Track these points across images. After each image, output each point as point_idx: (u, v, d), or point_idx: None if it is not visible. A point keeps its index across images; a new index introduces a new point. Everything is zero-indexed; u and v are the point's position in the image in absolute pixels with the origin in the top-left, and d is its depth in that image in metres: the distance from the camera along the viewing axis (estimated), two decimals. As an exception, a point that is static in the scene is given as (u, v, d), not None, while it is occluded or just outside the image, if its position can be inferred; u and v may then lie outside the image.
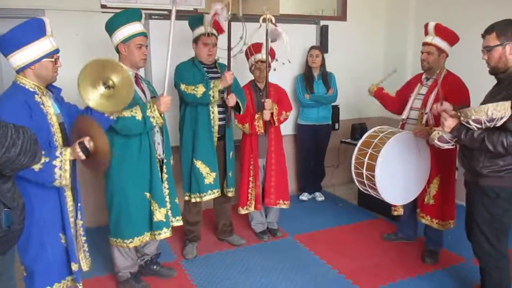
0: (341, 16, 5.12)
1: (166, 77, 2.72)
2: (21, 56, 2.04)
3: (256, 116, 3.50)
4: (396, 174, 3.04)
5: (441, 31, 3.10)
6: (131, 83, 2.36)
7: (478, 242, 2.48)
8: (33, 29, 2.06)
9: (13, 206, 1.50)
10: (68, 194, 2.23)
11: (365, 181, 3.03)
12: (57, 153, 2.02)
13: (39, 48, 2.07)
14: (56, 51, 2.15)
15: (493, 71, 2.36)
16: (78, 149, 2.05)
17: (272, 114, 3.47)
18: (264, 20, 3.23)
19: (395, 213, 3.55)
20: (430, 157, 3.14)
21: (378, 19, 5.28)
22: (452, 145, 2.46)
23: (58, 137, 2.15)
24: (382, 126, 3.21)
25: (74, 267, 2.25)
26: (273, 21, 3.25)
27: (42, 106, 2.10)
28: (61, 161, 2.01)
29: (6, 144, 1.35)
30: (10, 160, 1.38)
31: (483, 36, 2.35)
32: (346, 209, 4.58)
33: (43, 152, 1.90)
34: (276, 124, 3.56)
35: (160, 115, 2.70)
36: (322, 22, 4.88)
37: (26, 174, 1.89)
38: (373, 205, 4.25)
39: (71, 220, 2.26)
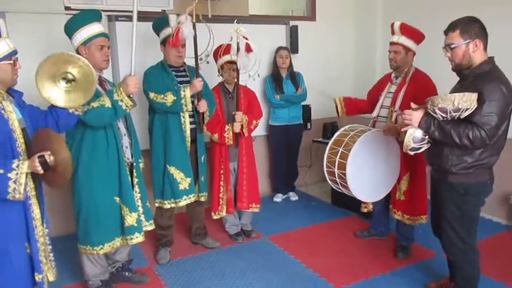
0: (311, 16, 5.16)
1: (133, 57, 2.61)
2: None
3: (226, 127, 3.46)
4: (367, 172, 3.07)
5: (406, 30, 3.15)
6: (90, 69, 2.28)
7: (449, 238, 2.51)
8: None
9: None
10: (34, 201, 2.15)
11: (337, 180, 3.05)
12: (14, 166, 1.95)
13: None
14: (14, 52, 2.08)
15: (457, 68, 2.37)
16: (37, 163, 1.98)
17: (242, 125, 3.47)
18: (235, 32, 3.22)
19: (365, 210, 3.60)
20: (400, 154, 3.19)
21: (347, 19, 5.34)
22: (427, 143, 2.42)
23: (20, 143, 2.08)
24: (352, 124, 3.24)
25: (38, 277, 2.17)
26: (243, 34, 3.25)
27: (2, 112, 2.02)
28: (16, 174, 1.94)
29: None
30: None
31: (445, 33, 2.35)
32: (319, 208, 4.61)
33: None
34: (246, 135, 3.56)
35: (129, 97, 2.61)
36: (292, 23, 4.89)
37: None
38: (346, 203, 4.29)
39: (40, 228, 2.18)
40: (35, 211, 2.16)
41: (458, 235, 2.46)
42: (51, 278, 2.31)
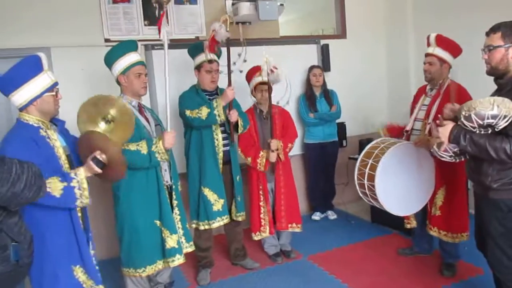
0: (341, 34, 5.18)
1: (168, 113, 2.75)
2: (22, 94, 2.08)
3: (261, 153, 3.49)
4: (397, 184, 3.00)
5: (442, 41, 3.12)
6: (127, 109, 2.39)
7: (495, 256, 2.36)
8: (30, 66, 2.10)
9: (21, 240, 1.52)
10: (80, 222, 2.24)
11: (367, 192, 3.01)
12: (72, 175, 2.04)
13: (39, 84, 2.10)
14: (55, 84, 2.18)
15: (492, 72, 2.27)
16: (92, 164, 2.07)
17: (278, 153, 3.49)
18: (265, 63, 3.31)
19: (408, 226, 3.50)
20: (434, 168, 3.11)
21: (378, 34, 5.32)
22: (450, 157, 2.36)
23: (66, 168, 2.17)
24: (384, 138, 3.20)
25: None
26: (272, 63, 3.32)
27: (48, 140, 2.13)
28: (77, 181, 2.03)
29: (11, 179, 1.38)
30: (15, 195, 1.40)
31: (487, 34, 2.26)
32: (359, 226, 4.53)
33: (59, 179, 1.93)
34: (283, 159, 3.57)
35: (166, 151, 2.71)
36: (323, 41, 4.93)
37: (49, 202, 1.90)
38: (386, 220, 4.19)
39: (87, 248, 2.26)
40: (82, 233, 2.24)
41: (505, 253, 2.30)
42: None
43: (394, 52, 5.27)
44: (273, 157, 3.47)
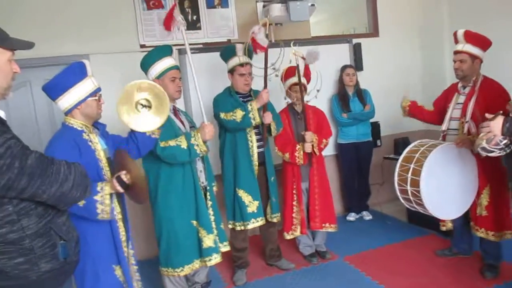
0: (373, 32, 5.12)
1: (202, 107, 2.82)
2: (68, 99, 2.18)
3: (297, 147, 3.51)
4: (442, 188, 2.93)
5: (471, 37, 3.03)
6: (161, 92, 2.46)
7: None
8: (75, 72, 2.19)
9: (68, 238, 1.59)
10: (120, 224, 2.30)
11: (411, 198, 2.95)
12: (98, 189, 2.09)
13: (83, 89, 2.19)
14: (98, 89, 2.27)
15: None
16: (116, 183, 2.12)
17: (312, 145, 3.49)
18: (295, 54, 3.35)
19: (444, 228, 3.42)
20: (477, 167, 3.03)
21: (412, 32, 5.23)
22: (501, 150, 2.31)
23: (106, 171, 2.25)
24: (422, 139, 3.14)
25: None
26: (303, 55, 3.38)
27: (90, 143, 2.21)
28: (101, 196, 2.08)
29: (60, 179, 1.44)
30: (64, 195, 1.47)
31: None
32: (395, 226, 4.45)
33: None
34: (318, 153, 3.57)
35: (204, 143, 2.77)
36: (355, 40, 4.88)
37: (73, 209, 1.95)
38: (424, 221, 4.10)
39: (125, 250, 2.32)
40: (122, 233, 2.31)
41: None
42: None
43: (428, 49, 5.15)
44: (308, 148, 3.45)
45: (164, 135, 2.71)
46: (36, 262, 1.46)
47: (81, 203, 1.98)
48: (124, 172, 2.15)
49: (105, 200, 2.07)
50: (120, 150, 2.35)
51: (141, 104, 2.44)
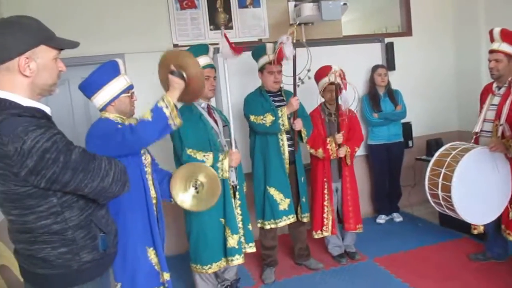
0: (406, 31, 5.03)
1: (232, 134, 2.85)
2: (102, 96, 2.24)
3: (328, 139, 3.51)
4: (474, 193, 2.86)
5: (507, 36, 2.95)
6: (216, 178, 2.49)
7: None
8: (108, 70, 2.26)
9: (108, 230, 1.64)
10: (155, 209, 2.34)
11: (442, 202, 2.90)
12: (161, 104, 2.06)
13: (116, 86, 2.25)
14: (131, 86, 2.33)
15: None
16: (173, 77, 2.13)
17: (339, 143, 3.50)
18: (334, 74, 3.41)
19: (475, 232, 3.34)
20: (510, 171, 2.94)
21: (446, 30, 5.12)
22: None
23: (145, 162, 2.30)
24: (454, 142, 3.07)
25: (167, 276, 2.33)
26: (342, 75, 3.41)
27: None
28: (163, 101, 2.04)
29: (101, 174, 1.50)
30: (104, 189, 1.52)
31: None
32: (427, 229, 4.37)
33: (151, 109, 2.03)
34: (349, 164, 3.58)
35: (228, 169, 2.79)
36: (387, 40, 4.82)
37: (145, 127, 1.99)
38: (456, 223, 3.98)
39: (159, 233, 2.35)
40: (155, 218, 2.34)
41: None
42: None
43: (463, 48, 5.03)
44: (339, 139, 3.47)
45: (193, 141, 2.75)
46: (78, 253, 1.52)
47: (150, 117, 1.99)
48: (172, 66, 2.18)
49: (169, 103, 2.04)
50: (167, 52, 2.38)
51: (195, 185, 2.48)
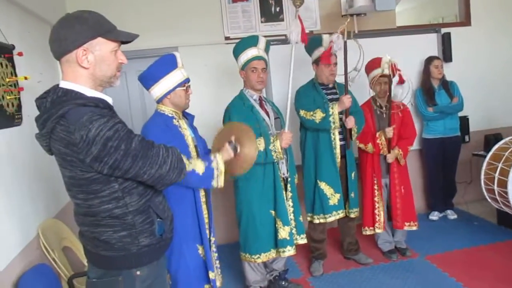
0: (465, 21, 4.81)
1: (287, 113, 2.87)
2: (160, 88, 2.33)
3: (377, 134, 3.45)
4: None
5: None
6: (254, 141, 2.42)
7: None
8: (166, 63, 2.33)
9: (164, 216, 1.71)
10: (204, 207, 2.41)
11: (498, 198, 2.78)
12: (212, 157, 2.15)
13: (173, 79, 2.32)
14: (187, 80, 2.39)
15: None
16: (228, 147, 2.21)
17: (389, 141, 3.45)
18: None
19: None
20: None
21: (508, 19, 4.84)
22: None
23: (194, 156, 2.35)
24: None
25: (212, 275, 2.40)
26: (395, 66, 3.32)
27: (180, 129, 2.35)
28: (216, 162, 2.12)
29: (159, 161, 1.56)
30: (162, 176, 1.58)
31: None
32: (483, 228, 4.19)
33: (201, 160, 2.10)
34: (403, 163, 3.53)
35: (281, 149, 2.81)
36: (443, 30, 4.63)
37: (192, 178, 2.03)
38: (516, 223, 3.83)
39: (207, 232, 2.43)
40: (205, 216, 2.41)
41: None
42: (218, 284, 2.52)
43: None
44: (389, 133, 3.40)
45: None
46: (137, 237, 1.59)
47: (201, 172, 2.06)
48: (233, 137, 2.26)
49: (219, 166, 2.12)
50: (233, 123, 2.45)
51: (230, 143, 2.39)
